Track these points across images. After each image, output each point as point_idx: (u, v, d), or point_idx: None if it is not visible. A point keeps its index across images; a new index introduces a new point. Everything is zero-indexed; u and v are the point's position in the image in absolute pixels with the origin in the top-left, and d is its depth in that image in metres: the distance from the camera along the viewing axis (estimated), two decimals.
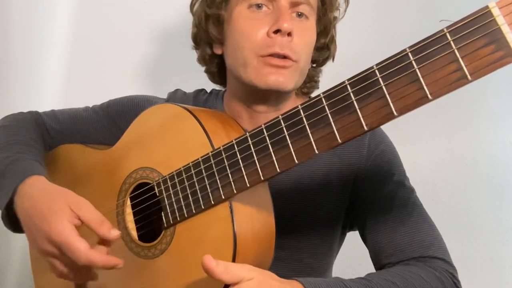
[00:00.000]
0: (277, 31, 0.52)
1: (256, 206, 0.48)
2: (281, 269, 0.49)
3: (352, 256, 0.79)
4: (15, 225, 0.55)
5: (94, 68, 0.95)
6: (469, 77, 0.33)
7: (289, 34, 0.52)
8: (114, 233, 0.48)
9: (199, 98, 0.66)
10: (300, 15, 0.55)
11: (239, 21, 0.55)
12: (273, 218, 0.49)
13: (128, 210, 0.56)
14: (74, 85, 0.96)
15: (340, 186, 0.58)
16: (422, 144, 0.82)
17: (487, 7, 0.33)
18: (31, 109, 0.70)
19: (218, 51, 0.60)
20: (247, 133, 0.45)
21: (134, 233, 0.55)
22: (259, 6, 0.54)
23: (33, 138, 0.62)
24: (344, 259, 0.77)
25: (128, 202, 0.55)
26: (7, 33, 0.87)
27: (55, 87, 0.96)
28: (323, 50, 0.61)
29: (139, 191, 0.55)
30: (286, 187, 0.56)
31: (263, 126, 0.44)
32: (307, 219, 0.58)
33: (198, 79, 0.67)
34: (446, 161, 0.81)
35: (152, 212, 0.55)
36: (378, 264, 0.56)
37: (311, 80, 0.63)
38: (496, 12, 0.32)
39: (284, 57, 0.53)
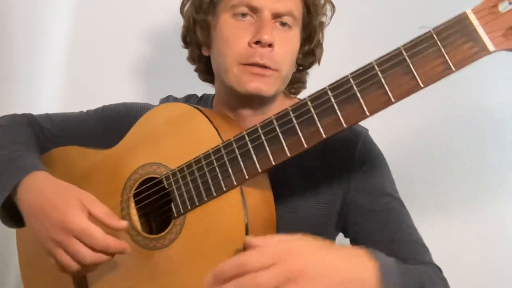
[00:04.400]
0: (257, 42, 0.58)
1: (260, 190, 0.55)
2: None
3: None
4: (14, 220, 0.61)
5: (95, 70, 1.02)
6: (453, 68, 0.44)
7: (270, 45, 0.58)
8: (123, 223, 0.56)
9: (190, 103, 0.72)
10: (283, 24, 0.61)
11: (224, 28, 0.61)
12: (273, 200, 0.56)
13: (133, 205, 0.62)
14: (74, 88, 1.03)
15: (329, 194, 0.63)
16: (422, 143, 0.89)
17: (464, 13, 0.45)
18: (31, 111, 0.76)
19: (205, 53, 0.67)
20: (258, 125, 0.54)
21: (139, 227, 0.60)
22: (243, 15, 0.60)
23: (30, 139, 0.69)
24: None
25: (132, 198, 0.61)
26: (8, 35, 0.94)
27: (55, 89, 1.03)
28: (309, 55, 0.68)
29: (144, 187, 0.61)
30: (275, 192, 0.58)
31: (272, 117, 0.53)
32: (295, 224, 0.63)
33: (197, 80, 0.74)
34: (446, 161, 0.88)
35: (156, 207, 0.61)
36: None
37: (298, 82, 0.70)
38: (472, 16, 0.44)
39: (265, 66, 0.59)
